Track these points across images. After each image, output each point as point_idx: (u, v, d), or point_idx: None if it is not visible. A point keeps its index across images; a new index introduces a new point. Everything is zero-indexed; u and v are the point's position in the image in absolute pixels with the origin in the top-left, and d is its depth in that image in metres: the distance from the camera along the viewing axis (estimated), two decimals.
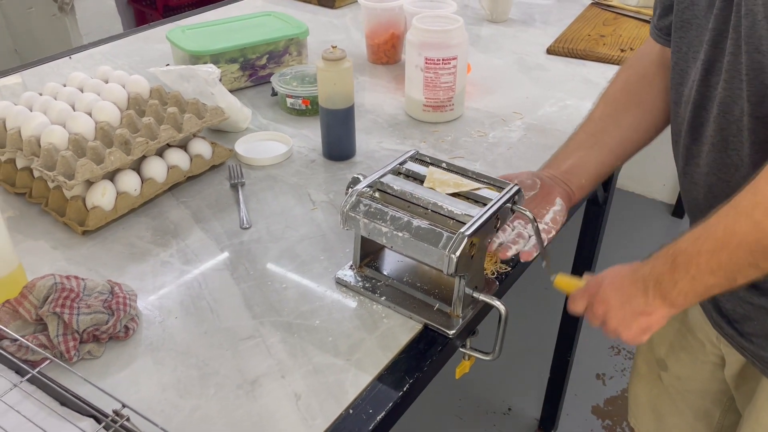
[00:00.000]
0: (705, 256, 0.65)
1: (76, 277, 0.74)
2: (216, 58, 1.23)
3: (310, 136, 1.14)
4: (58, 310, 0.69)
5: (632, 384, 1.13)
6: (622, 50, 1.44)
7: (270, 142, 1.12)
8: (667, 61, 0.86)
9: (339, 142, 1.06)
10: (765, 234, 0.60)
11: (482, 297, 0.75)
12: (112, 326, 0.70)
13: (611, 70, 1.39)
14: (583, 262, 1.44)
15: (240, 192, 0.98)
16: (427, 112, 1.17)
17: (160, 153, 0.97)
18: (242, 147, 1.09)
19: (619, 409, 1.73)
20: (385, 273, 0.81)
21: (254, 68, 1.29)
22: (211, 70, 1.05)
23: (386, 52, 1.41)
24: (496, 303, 0.74)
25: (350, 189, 0.78)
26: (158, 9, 2.94)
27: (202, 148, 1.01)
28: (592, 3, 1.76)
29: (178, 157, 0.98)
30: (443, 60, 1.12)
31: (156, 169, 0.95)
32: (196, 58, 1.22)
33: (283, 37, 1.29)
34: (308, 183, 1.02)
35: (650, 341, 1.04)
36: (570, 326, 1.48)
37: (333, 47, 0.99)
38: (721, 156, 0.72)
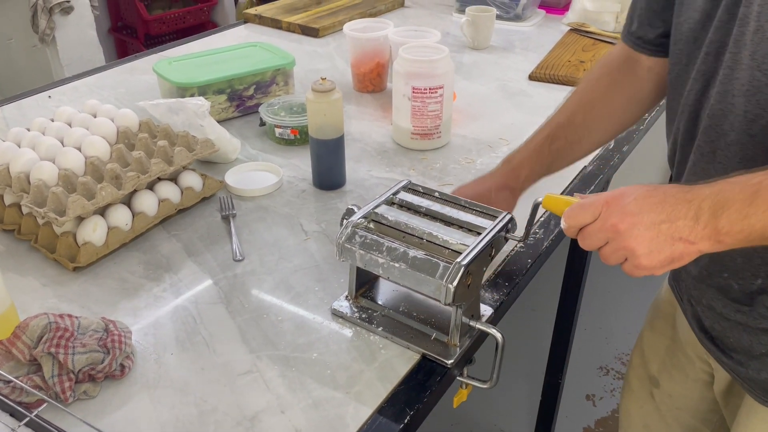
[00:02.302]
0: None
1: (70, 316, 0.73)
2: (203, 90, 1.24)
3: (299, 165, 1.15)
4: (52, 350, 0.68)
5: (623, 401, 1.14)
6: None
7: (260, 172, 1.12)
8: (636, 67, 0.89)
9: (329, 172, 1.07)
10: None
11: (479, 326, 0.75)
12: (108, 365, 0.69)
13: None
14: (574, 276, 1.45)
15: (232, 223, 0.98)
16: (415, 140, 1.19)
17: (150, 186, 0.97)
18: (232, 178, 1.09)
19: (610, 429, 1.73)
20: (380, 303, 0.81)
21: (242, 99, 1.30)
22: (201, 103, 1.05)
23: (372, 80, 1.43)
24: (493, 331, 0.74)
25: (345, 220, 0.78)
26: (139, 38, 2.94)
27: (192, 180, 1.01)
28: (570, 29, 1.80)
29: (168, 191, 0.97)
30: (430, 89, 1.13)
31: (147, 202, 0.94)
32: (183, 90, 1.23)
33: (270, 67, 1.31)
34: (300, 213, 1.02)
35: (643, 357, 1.06)
36: (560, 348, 1.49)
37: (322, 79, 1.00)
38: (708, 167, 0.73)
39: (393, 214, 0.79)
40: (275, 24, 1.86)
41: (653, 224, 0.60)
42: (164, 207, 0.96)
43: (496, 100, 1.42)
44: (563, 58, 1.58)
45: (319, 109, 1.01)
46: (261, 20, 1.88)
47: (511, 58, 1.64)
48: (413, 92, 1.14)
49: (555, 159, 0.94)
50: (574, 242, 1.42)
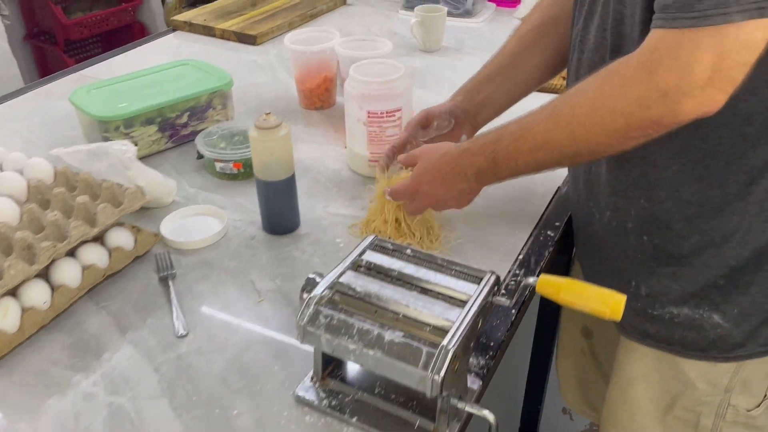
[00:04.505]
0: (524, 155, 0.76)
1: None
2: (130, 122, 1.09)
3: (246, 205, 1.02)
4: None
5: (559, 362, 1.22)
6: (564, 77, 1.39)
7: (201, 217, 0.99)
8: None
9: (280, 216, 0.94)
10: (577, 143, 0.71)
11: (469, 408, 0.65)
12: None
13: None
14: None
15: (171, 287, 0.85)
16: (374, 167, 1.07)
17: (71, 252, 0.83)
18: (169, 227, 0.95)
19: None
20: (353, 384, 0.70)
21: (174, 128, 1.15)
22: (126, 148, 0.91)
23: (320, 96, 1.30)
24: (485, 413, 0.64)
25: (305, 294, 0.67)
26: (59, 45, 2.71)
27: (121, 238, 0.87)
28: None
29: (94, 254, 0.84)
30: (387, 113, 1.02)
31: (68, 273, 0.80)
32: (106, 124, 1.08)
33: (205, 91, 1.16)
34: (250, 267, 0.89)
35: (571, 318, 1.15)
36: (539, 372, 1.41)
37: (266, 114, 0.87)
38: None
39: (361, 283, 0.68)
40: (208, 31, 1.70)
41: (446, 193, 0.85)
42: (90, 275, 0.82)
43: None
44: None
45: (264, 148, 0.88)
46: (191, 27, 1.72)
47: (465, 60, 1.54)
48: (369, 117, 1.02)
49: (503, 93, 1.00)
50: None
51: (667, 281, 0.80)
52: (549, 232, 0.96)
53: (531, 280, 0.61)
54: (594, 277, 0.92)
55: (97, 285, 0.85)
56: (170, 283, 0.86)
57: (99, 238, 0.87)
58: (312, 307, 0.65)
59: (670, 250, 0.79)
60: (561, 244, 0.96)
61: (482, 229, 0.96)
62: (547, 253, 0.92)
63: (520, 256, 0.91)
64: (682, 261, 0.78)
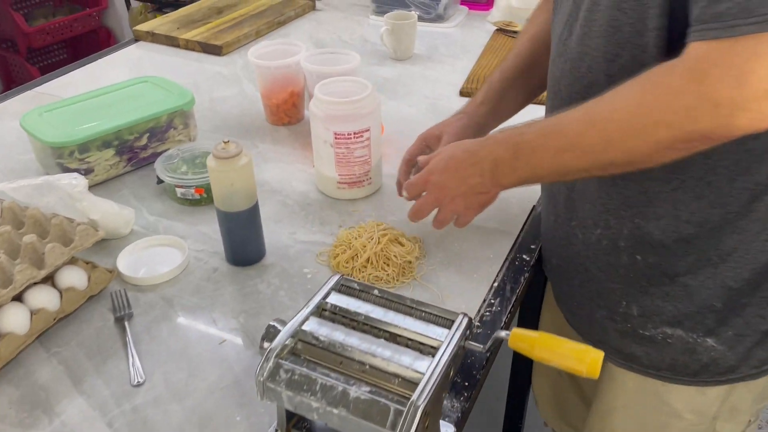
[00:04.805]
0: (551, 152, 0.70)
1: None
2: (85, 147, 1.04)
3: (208, 233, 0.97)
4: None
5: (535, 380, 1.21)
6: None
7: (161, 248, 0.94)
8: None
9: (244, 247, 0.90)
10: (614, 150, 0.65)
11: None
12: None
13: (529, 112, 1.29)
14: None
15: (128, 328, 0.80)
16: (343, 189, 1.03)
17: (18, 297, 0.77)
18: (126, 261, 0.90)
19: None
20: None
21: (133, 151, 1.10)
22: (76, 182, 0.85)
23: (287, 111, 1.26)
24: None
25: (265, 345, 0.62)
26: (21, 53, 2.62)
27: (74, 277, 0.82)
28: (496, 30, 1.67)
29: (43, 297, 0.78)
30: (354, 134, 0.97)
31: (15, 319, 0.75)
32: (59, 150, 1.02)
33: (165, 111, 1.11)
34: (212, 304, 0.85)
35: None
36: (519, 391, 1.38)
37: (225, 142, 0.83)
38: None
39: (325, 331, 0.63)
40: (171, 42, 1.64)
41: (457, 187, 0.79)
42: (39, 319, 0.77)
43: (428, 123, 1.24)
44: (492, 67, 1.44)
45: (224, 178, 0.83)
46: (154, 38, 1.66)
47: (438, 69, 1.50)
48: (335, 138, 0.98)
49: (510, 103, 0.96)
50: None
51: (660, 301, 0.77)
52: (524, 256, 0.92)
53: (503, 334, 0.57)
54: (571, 300, 0.88)
55: (48, 329, 0.79)
56: (126, 324, 0.81)
57: (49, 278, 0.81)
58: (272, 360, 0.60)
59: (664, 270, 0.75)
60: (536, 268, 0.93)
61: (456, 253, 0.93)
62: (522, 279, 0.88)
63: (495, 284, 0.87)
64: (676, 281, 0.75)
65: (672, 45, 0.63)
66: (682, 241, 0.72)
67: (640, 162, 0.66)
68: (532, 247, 0.94)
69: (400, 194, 0.93)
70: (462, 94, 1.36)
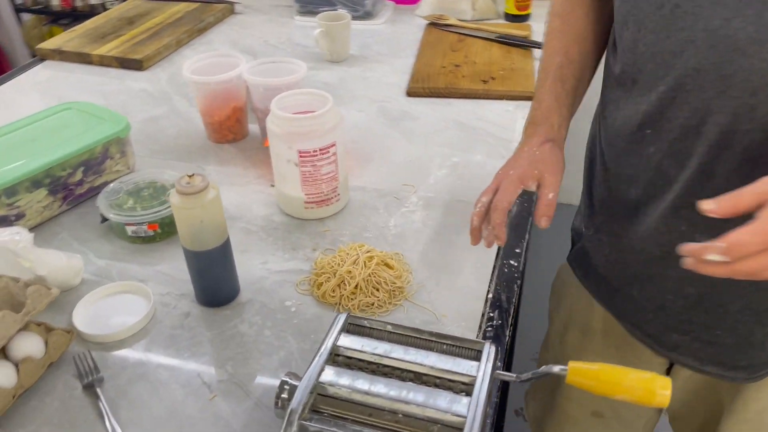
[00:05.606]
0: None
1: None
2: (12, 190, 0.91)
3: (171, 273, 0.88)
4: None
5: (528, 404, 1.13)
6: (484, 81, 1.33)
7: (119, 296, 0.84)
8: None
9: (217, 286, 0.82)
10: None
11: None
12: None
13: (480, 107, 1.27)
14: None
15: (101, 396, 0.71)
16: (311, 209, 0.96)
17: None
18: (83, 317, 0.80)
19: None
20: None
21: (68, 188, 0.99)
22: (19, 238, 0.75)
23: (230, 128, 1.17)
24: None
25: (282, 402, 0.56)
26: None
27: (29, 345, 0.72)
28: (428, 24, 1.64)
29: None
30: (320, 150, 0.91)
31: None
32: None
33: (99, 141, 1.00)
34: (192, 354, 0.77)
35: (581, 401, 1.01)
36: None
37: (189, 176, 0.74)
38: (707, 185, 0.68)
39: (346, 380, 0.58)
40: (83, 59, 1.50)
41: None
42: None
43: (381, 129, 1.22)
44: (435, 65, 1.41)
45: (191, 216, 0.75)
46: (63, 55, 1.51)
47: (377, 69, 1.45)
48: (300, 156, 0.91)
49: (573, 98, 0.86)
50: None
51: None
52: (512, 262, 0.89)
53: (556, 369, 0.53)
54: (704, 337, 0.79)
55: (7, 410, 0.69)
56: (98, 391, 0.71)
57: (1, 350, 0.71)
58: (296, 424, 0.54)
59: None
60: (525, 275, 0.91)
61: (440, 266, 0.89)
62: (516, 287, 0.85)
63: (490, 295, 0.84)
64: None
65: None
66: None
67: None
68: (517, 251, 0.91)
69: (475, 243, 0.79)
70: (409, 94, 1.32)
